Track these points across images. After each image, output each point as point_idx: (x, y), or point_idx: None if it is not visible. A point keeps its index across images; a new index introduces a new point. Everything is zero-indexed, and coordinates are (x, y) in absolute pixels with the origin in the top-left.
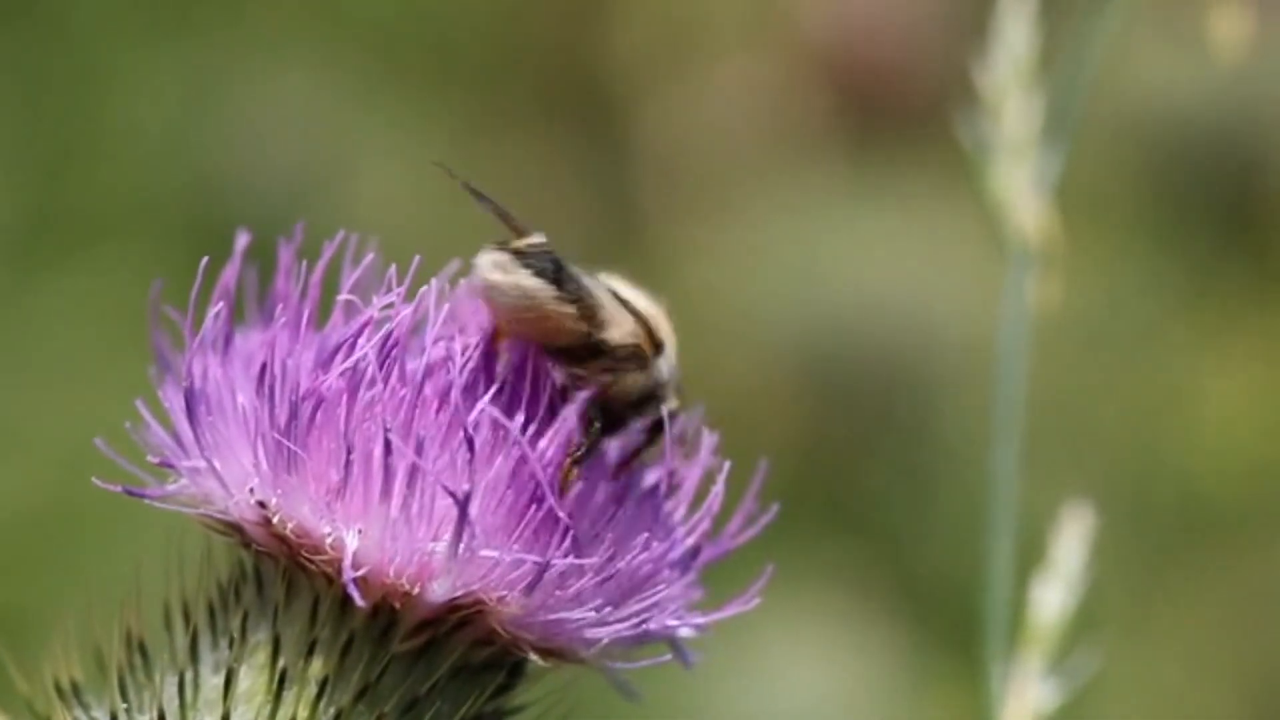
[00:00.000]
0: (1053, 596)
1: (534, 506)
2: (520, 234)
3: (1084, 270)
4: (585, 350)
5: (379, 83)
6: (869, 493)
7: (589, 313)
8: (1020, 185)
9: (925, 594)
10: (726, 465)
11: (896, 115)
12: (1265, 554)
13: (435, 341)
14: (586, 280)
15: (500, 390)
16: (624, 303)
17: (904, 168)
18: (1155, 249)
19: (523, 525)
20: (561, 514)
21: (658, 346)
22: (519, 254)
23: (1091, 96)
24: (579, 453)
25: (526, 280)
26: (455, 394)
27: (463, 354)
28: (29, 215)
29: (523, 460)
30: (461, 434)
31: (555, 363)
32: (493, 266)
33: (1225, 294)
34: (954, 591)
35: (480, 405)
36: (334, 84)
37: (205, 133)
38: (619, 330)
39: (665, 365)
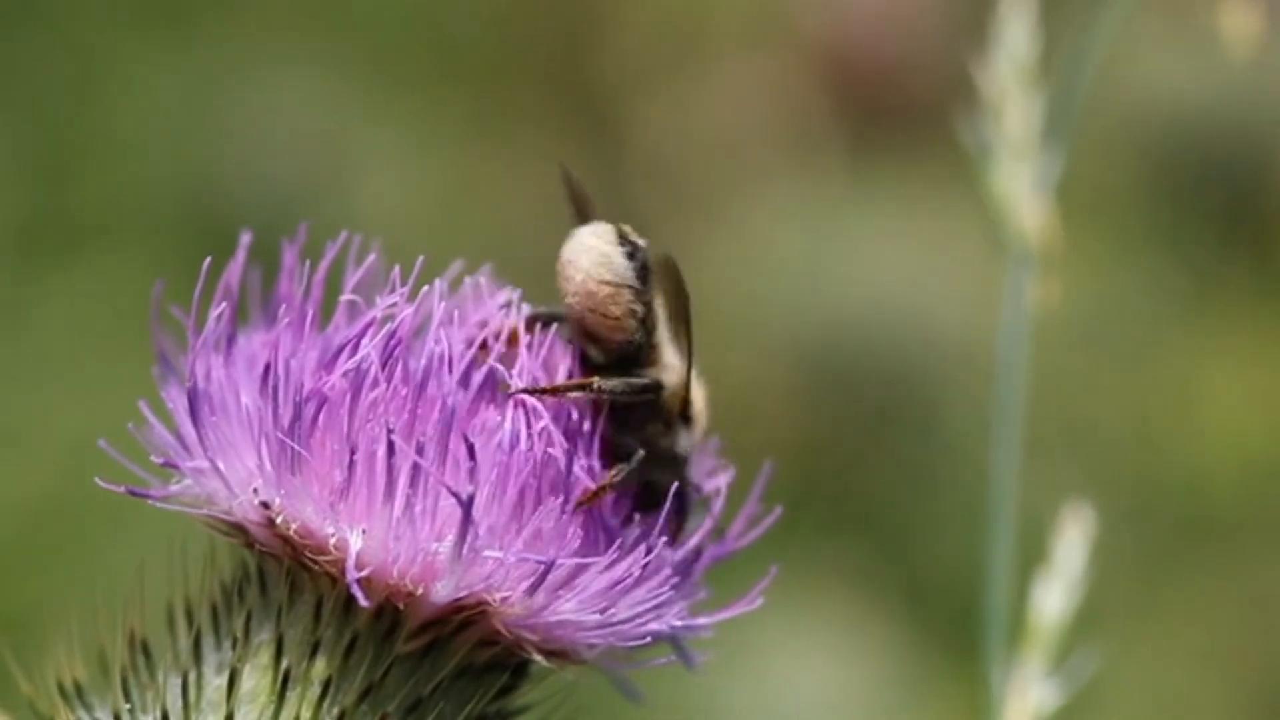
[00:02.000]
0: (1054, 597)
1: (538, 507)
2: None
3: (1085, 270)
4: (621, 370)
5: (380, 84)
6: (870, 492)
7: (650, 326)
8: (1021, 185)
9: (926, 593)
10: (730, 469)
11: (897, 115)
12: (1266, 555)
13: (438, 341)
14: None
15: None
16: (692, 354)
17: (905, 168)
18: (1156, 249)
19: (526, 525)
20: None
21: (685, 417)
22: (623, 236)
23: (1092, 97)
24: (616, 476)
25: (618, 257)
26: (453, 398)
27: (466, 354)
28: (29, 216)
29: (526, 461)
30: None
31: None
32: (593, 233)
33: (1226, 294)
34: (955, 591)
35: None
36: (335, 85)
37: (206, 134)
38: (667, 371)
39: (684, 438)
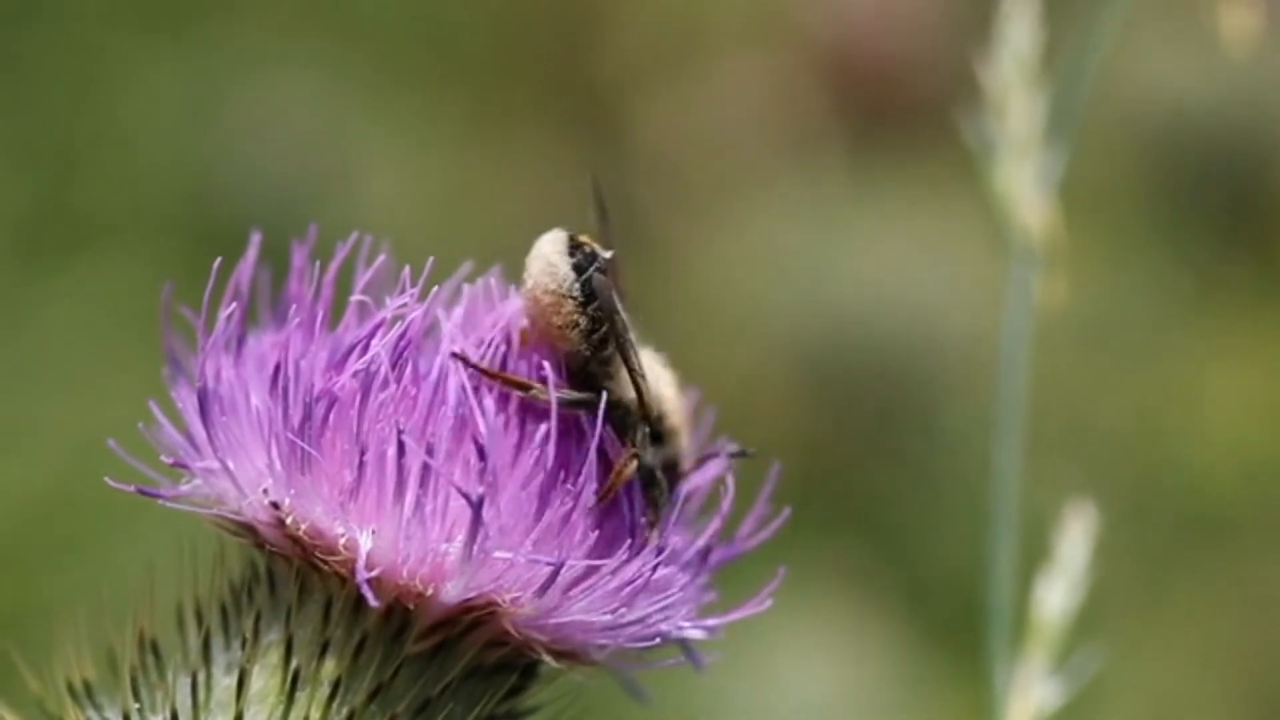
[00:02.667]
0: (1056, 595)
1: (548, 508)
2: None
3: (1088, 268)
4: (585, 376)
5: (380, 84)
6: (871, 491)
7: (598, 341)
8: (1024, 183)
9: (928, 593)
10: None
11: (899, 113)
12: (1267, 555)
13: (448, 342)
14: (626, 332)
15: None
16: (636, 380)
17: (907, 166)
18: (1158, 248)
19: (537, 526)
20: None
21: (655, 434)
22: (576, 244)
23: (1095, 94)
24: (628, 466)
25: (564, 266)
26: (458, 399)
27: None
28: (31, 215)
29: (539, 462)
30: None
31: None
32: (549, 240)
33: (1228, 293)
34: (957, 590)
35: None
36: (336, 85)
37: (207, 134)
38: (622, 387)
39: (651, 454)
